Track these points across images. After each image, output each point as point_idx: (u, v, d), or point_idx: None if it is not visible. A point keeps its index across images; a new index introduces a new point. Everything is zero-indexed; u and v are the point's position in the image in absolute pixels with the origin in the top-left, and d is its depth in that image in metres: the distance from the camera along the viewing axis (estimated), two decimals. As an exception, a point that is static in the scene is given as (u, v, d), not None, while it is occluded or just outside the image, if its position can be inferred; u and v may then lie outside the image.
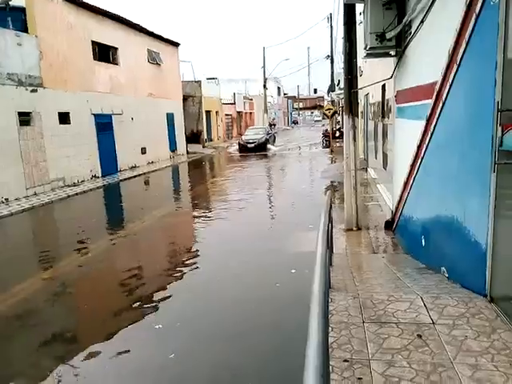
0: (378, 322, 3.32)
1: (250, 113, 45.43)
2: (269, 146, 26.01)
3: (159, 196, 13.02)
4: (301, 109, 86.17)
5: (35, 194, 12.33)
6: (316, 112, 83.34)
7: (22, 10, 12.54)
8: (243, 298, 5.07)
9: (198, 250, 7.26)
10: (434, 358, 2.81)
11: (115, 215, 10.89)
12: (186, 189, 13.04)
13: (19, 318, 4.88)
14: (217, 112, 33.12)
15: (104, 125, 16.12)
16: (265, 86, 45.48)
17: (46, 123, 12.92)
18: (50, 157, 13.07)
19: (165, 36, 21.97)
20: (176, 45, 23.85)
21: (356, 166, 6.80)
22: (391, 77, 6.79)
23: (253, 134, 26.10)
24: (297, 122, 76.73)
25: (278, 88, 60.82)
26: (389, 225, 6.82)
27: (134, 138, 18.23)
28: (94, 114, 15.46)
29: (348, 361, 2.88)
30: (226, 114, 36.57)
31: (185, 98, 26.32)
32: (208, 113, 30.78)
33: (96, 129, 15.60)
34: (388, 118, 8.30)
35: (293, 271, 5.66)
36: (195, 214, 10.12)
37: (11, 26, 12.06)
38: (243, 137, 26.53)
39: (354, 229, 6.86)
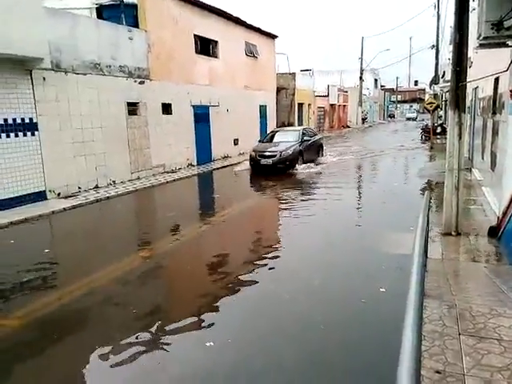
0: (477, 336, 3.08)
1: (344, 105, 44.31)
2: (299, 165, 15.07)
3: (248, 186, 13.38)
4: (399, 102, 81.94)
5: (138, 178, 13.42)
6: (415, 106, 78.61)
7: (134, 7, 13.58)
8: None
9: (279, 242, 7.32)
10: (543, 383, 2.53)
11: (208, 202, 11.46)
12: (276, 179, 13.17)
13: (124, 287, 5.39)
14: (309, 104, 32.88)
15: (201, 116, 16.91)
16: (361, 78, 44.18)
17: (150, 113, 13.94)
18: (153, 144, 14.10)
19: (262, 28, 22.27)
20: (273, 37, 24.04)
21: (460, 166, 6.29)
22: (507, 69, 6.15)
23: (275, 142, 15.71)
24: (393, 116, 73.29)
25: (375, 80, 58.49)
26: (493, 232, 6.23)
27: (228, 129, 18.87)
28: (193, 106, 16.30)
29: (440, 372, 2.72)
30: (319, 107, 36.13)
31: (278, 90, 26.51)
32: (300, 105, 30.68)
33: (194, 119, 16.44)
34: (500, 114, 7.54)
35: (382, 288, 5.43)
36: (281, 205, 10.18)
37: (124, 22, 13.14)
38: (256, 146, 16.04)
39: (453, 233, 6.38)
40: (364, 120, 49.20)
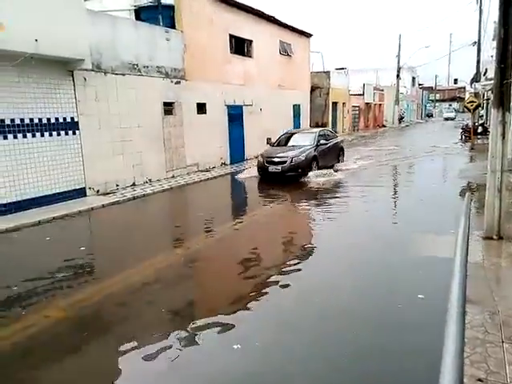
0: (522, 345, 2.93)
1: (380, 104, 43.37)
2: (313, 172, 13.24)
3: (280, 185, 13.32)
4: (437, 101, 79.57)
5: (173, 176, 13.67)
6: (454, 105, 76.07)
7: (171, 8, 13.82)
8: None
9: (309, 246, 7.25)
10: None
11: (240, 200, 11.55)
12: (312, 180, 13.04)
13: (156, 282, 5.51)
14: (344, 103, 32.40)
15: (235, 115, 17.03)
16: (398, 76, 43.10)
17: (185, 113, 14.16)
18: (188, 144, 14.32)
19: (297, 27, 22.13)
20: (308, 35, 23.88)
21: (503, 167, 6.03)
22: (557, 65, 5.83)
23: (287, 146, 14.25)
24: (431, 115, 71.45)
25: (413, 78, 56.92)
26: (539, 236, 5.93)
27: (261, 128, 18.85)
28: (227, 105, 16.42)
29: (482, 381, 2.61)
30: (354, 106, 35.52)
31: (312, 89, 26.27)
32: (334, 104, 30.28)
33: (228, 119, 16.57)
34: (548, 112, 7.16)
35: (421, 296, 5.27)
36: (315, 208, 10.09)
37: (161, 23, 13.41)
38: (265, 150, 14.41)
39: (495, 237, 6.12)
40: (401, 119, 48.01)
